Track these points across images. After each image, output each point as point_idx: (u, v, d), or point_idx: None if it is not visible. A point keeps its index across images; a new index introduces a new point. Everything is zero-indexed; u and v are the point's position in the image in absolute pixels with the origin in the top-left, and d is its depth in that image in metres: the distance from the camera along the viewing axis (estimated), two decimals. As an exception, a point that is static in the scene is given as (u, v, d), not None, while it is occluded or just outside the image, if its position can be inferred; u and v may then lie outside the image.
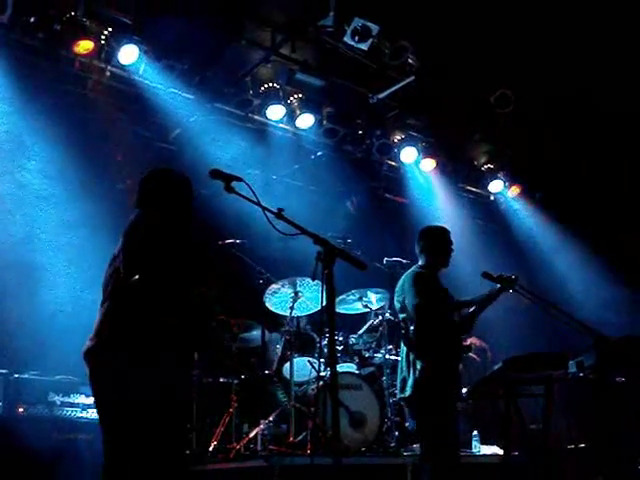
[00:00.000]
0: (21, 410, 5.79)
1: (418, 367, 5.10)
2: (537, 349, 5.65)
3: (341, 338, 7.31)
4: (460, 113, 8.49)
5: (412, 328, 5.22)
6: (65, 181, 6.86)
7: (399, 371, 5.38)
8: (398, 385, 5.36)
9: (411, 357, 5.18)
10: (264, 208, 3.17)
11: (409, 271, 5.48)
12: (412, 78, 7.61)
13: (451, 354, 5.21)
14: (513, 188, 9.78)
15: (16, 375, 5.92)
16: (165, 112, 7.55)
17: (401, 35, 7.22)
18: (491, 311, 5.59)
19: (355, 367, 7.21)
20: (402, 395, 5.26)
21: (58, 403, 5.97)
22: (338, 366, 6.75)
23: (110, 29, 6.80)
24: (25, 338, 6.28)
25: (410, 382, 5.12)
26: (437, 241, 5.51)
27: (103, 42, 6.82)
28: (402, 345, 5.39)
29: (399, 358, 5.48)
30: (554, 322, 6.14)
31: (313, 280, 3.19)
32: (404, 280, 5.39)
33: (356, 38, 7.01)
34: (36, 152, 6.76)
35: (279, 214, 3.13)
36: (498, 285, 5.27)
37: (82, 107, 7.11)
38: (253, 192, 3.29)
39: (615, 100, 7.71)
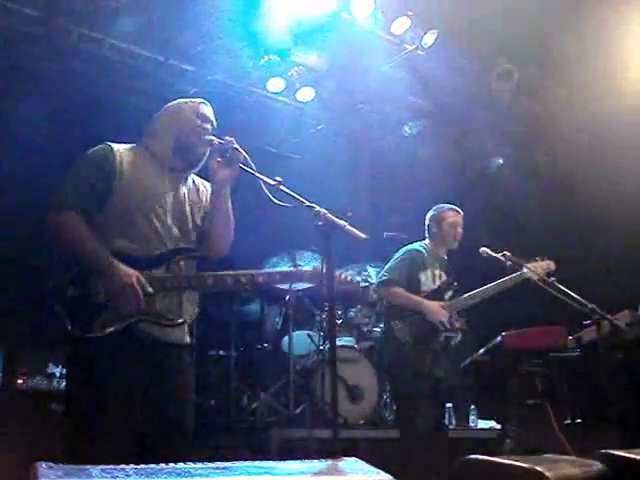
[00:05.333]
0: (20, 382, 5.79)
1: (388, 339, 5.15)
2: (535, 324, 5.63)
3: (340, 312, 7.32)
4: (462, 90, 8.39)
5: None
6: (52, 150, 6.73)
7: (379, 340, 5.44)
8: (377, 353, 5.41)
9: (385, 328, 5.23)
10: (262, 179, 3.11)
11: (407, 247, 5.45)
12: (414, 50, 7.55)
13: (421, 332, 5.17)
14: None
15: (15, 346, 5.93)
16: (164, 84, 7.46)
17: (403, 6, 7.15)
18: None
19: (354, 341, 7.22)
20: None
21: (57, 375, 5.97)
22: (337, 340, 6.76)
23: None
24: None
25: (382, 353, 5.19)
26: (444, 222, 5.44)
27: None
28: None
29: None
30: (552, 297, 6.12)
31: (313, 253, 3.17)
32: (397, 253, 5.39)
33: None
34: (28, 124, 6.62)
35: (278, 185, 3.07)
36: (525, 270, 5.08)
37: (79, 78, 7.02)
38: (251, 162, 3.25)
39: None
